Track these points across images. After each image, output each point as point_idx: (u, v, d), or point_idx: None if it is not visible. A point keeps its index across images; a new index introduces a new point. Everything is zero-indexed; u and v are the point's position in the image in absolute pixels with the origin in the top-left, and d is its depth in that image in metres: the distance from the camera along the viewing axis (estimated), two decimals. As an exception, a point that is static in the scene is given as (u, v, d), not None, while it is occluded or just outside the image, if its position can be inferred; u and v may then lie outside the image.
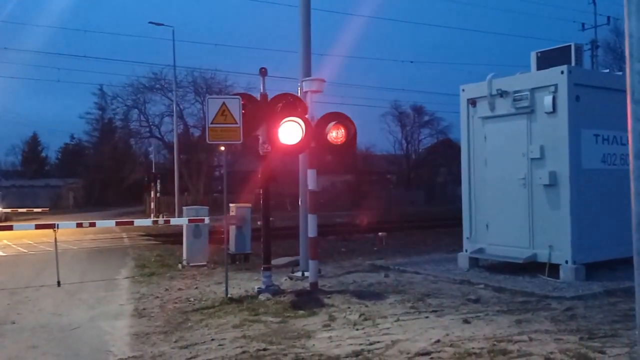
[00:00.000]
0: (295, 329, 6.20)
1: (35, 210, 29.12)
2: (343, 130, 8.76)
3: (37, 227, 9.96)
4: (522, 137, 9.45)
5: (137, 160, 45.12)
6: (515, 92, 9.51)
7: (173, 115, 35.03)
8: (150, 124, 41.29)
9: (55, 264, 10.03)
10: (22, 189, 45.83)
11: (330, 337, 5.79)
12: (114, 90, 41.85)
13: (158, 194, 30.05)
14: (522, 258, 9.14)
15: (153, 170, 36.47)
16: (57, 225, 9.76)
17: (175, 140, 32.15)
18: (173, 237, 16.60)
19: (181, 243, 12.46)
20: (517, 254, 9.28)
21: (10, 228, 10.71)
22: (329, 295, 8.01)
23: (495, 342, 5.38)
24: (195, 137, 41.32)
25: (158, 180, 30.61)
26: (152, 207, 28.58)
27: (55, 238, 9.95)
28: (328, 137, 8.70)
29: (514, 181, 9.54)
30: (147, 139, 42.58)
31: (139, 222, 12.92)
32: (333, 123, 8.75)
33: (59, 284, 9.45)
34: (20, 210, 27.91)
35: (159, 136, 41.56)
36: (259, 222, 12.19)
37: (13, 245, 16.27)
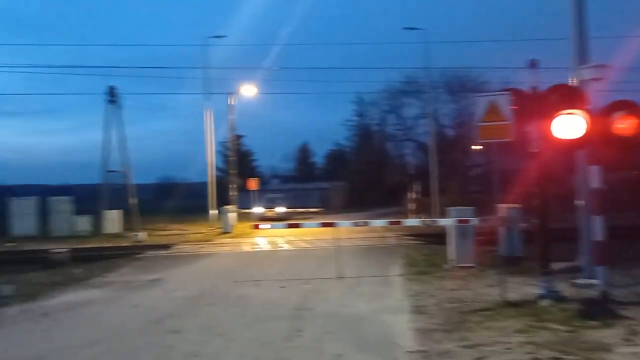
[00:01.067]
0: (589, 340, 5.66)
1: (311, 210, 32.61)
2: (633, 121, 7.72)
3: (322, 225, 11.08)
4: None
5: (394, 163, 47.04)
6: None
7: (427, 117, 35.66)
8: (406, 126, 42.74)
9: (333, 259, 11.07)
10: (297, 191, 51.81)
11: (635, 354, 5.15)
12: (371, 97, 44.51)
13: (417, 195, 30.84)
14: None
15: (410, 172, 37.58)
16: (337, 224, 10.70)
17: (431, 142, 32.60)
18: (435, 237, 16.76)
19: (445, 243, 12.53)
20: None
21: (297, 226, 12.15)
22: (623, 307, 7.11)
23: None
24: (449, 137, 41.38)
25: (416, 182, 31.44)
26: (411, 207, 29.44)
27: (336, 236, 10.95)
28: (614, 129, 7.77)
29: None
30: (403, 142, 44.16)
31: (407, 222, 13.44)
32: (620, 113, 7.78)
33: (340, 277, 10.37)
34: (298, 210, 31.63)
35: (414, 138, 42.72)
36: (527, 224, 11.55)
37: (297, 241, 18.48)
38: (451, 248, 11.94)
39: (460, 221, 11.29)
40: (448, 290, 8.96)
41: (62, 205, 28.66)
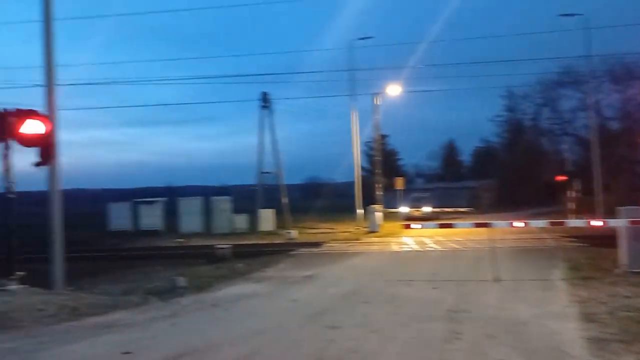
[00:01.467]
0: None
1: (459, 210, 31.70)
2: None
3: (476, 225, 10.71)
4: None
5: (550, 159, 43.93)
6: None
7: (588, 109, 32.79)
8: (562, 120, 39.71)
9: (487, 260, 10.63)
10: (443, 190, 50.70)
11: None
12: (522, 90, 42.03)
13: (577, 194, 28.55)
14: None
15: (567, 169, 34.88)
16: (492, 224, 10.27)
17: (592, 136, 29.97)
18: (600, 239, 15.37)
19: (612, 246, 11.46)
20: None
21: (449, 226, 11.88)
22: None
23: None
24: (613, 130, 37.68)
25: (576, 179, 29.11)
26: (571, 207, 27.34)
27: (490, 237, 10.52)
28: None
29: None
30: (559, 136, 41.08)
31: (572, 222, 12.48)
32: None
33: (497, 279, 9.93)
34: (445, 209, 30.93)
35: (572, 132, 39.52)
36: None
37: (446, 242, 18.07)
38: (622, 251, 10.86)
39: (634, 222, 10.20)
40: (622, 298, 8.15)
41: (222, 204, 31.11)
